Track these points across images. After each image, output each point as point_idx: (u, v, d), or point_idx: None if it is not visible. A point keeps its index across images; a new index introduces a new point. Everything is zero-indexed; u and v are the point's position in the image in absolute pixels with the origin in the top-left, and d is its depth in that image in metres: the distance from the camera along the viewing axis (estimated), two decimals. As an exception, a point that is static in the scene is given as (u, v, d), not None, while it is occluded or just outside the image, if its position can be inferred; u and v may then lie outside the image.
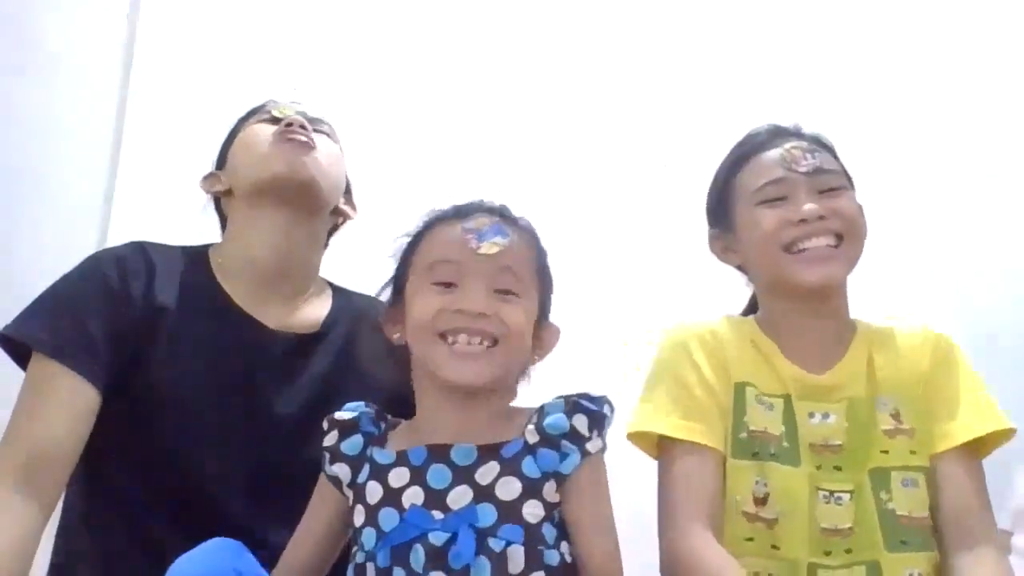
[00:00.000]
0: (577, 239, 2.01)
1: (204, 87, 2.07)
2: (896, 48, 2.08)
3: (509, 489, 0.95)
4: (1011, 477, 1.49)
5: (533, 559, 0.93)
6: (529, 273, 1.04)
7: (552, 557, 0.94)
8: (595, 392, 1.01)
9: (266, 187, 1.19)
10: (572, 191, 2.05)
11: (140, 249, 1.19)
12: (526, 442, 0.98)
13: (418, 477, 0.97)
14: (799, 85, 2.05)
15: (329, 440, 1.04)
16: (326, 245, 1.32)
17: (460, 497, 0.95)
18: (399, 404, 1.08)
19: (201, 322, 1.16)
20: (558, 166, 2.07)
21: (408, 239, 1.09)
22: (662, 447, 1.14)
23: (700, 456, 1.10)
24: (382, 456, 1.01)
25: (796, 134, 1.22)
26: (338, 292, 1.31)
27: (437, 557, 0.91)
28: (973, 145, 2.03)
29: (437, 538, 0.92)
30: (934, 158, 2.03)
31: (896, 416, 1.13)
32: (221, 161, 1.29)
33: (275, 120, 1.23)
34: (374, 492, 0.98)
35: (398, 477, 0.98)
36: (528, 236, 1.08)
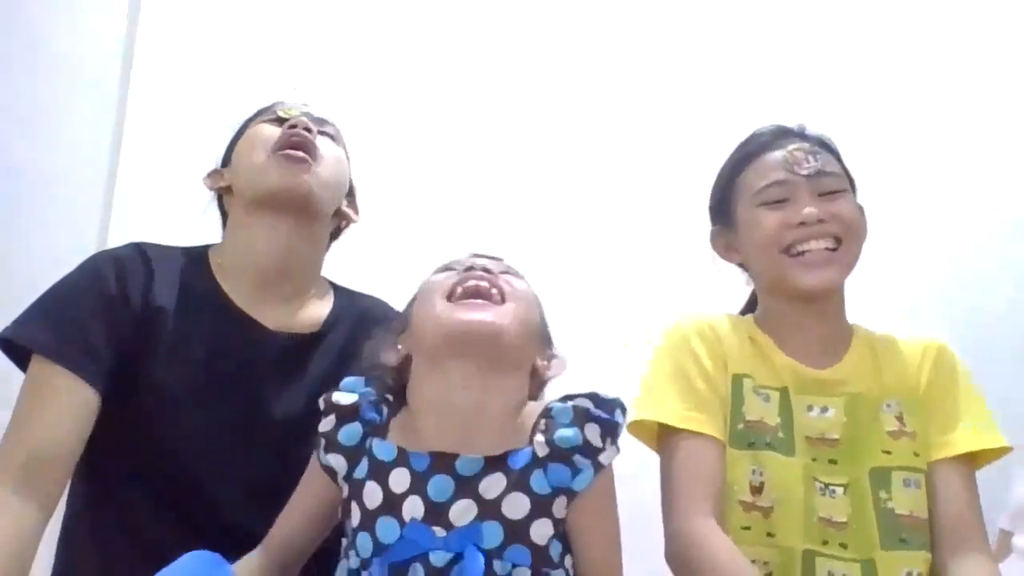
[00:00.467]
0: (577, 239, 2.02)
1: (204, 87, 2.07)
2: (896, 49, 2.08)
3: (517, 507, 0.90)
4: (1010, 478, 1.49)
5: None
6: None
7: None
8: (605, 393, 0.97)
9: (263, 199, 1.18)
10: (572, 191, 2.05)
11: (139, 250, 1.19)
12: (535, 454, 0.93)
13: (419, 485, 0.92)
14: (799, 86, 2.05)
15: (326, 425, 1.00)
16: (328, 247, 1.32)
17: (463, 513, 0.90)
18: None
19: (200, 323, 1.16)
20: (558, 166, 2.07)
21: None
22: (663, 437, 1.15)
23: (702, 444, 1.11)
24: (382, 450, 0.96)
25: (800, 135, 1.23)
26: (340, 292, 1.31)
27: None
28: (973, 148, 2.03)
29: (439, 558, 0.88)
30: (933, 159, 2.03)
31: (900, 419, 1.14)
32: (226, 158, 1.28)
33: (281, 121, 1.22)
34: (373, 495, 0.94)
35: (398, 480, 0.93)
36: None
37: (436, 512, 0.91)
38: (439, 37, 2.15)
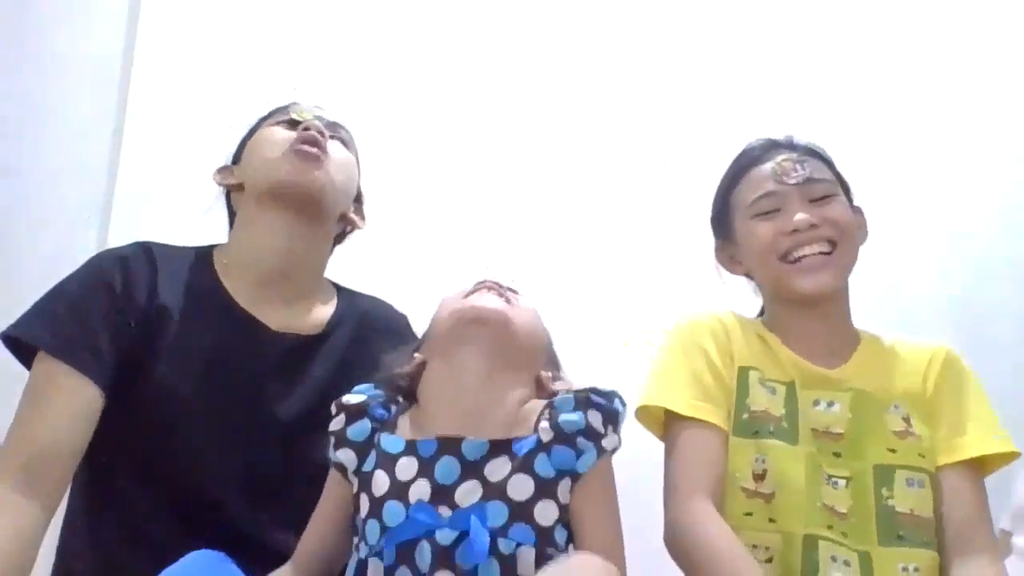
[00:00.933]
0: (577, 239, 2.02)
1: (205, 87, 2.07)
2: (892, 51, 2.08)
3: (522, 488, 0.93)
4: (1011, 479, 1.49)
5: (543, 563, 0.90)
6: None
7: None
8: (603, 387, 1.01)
9: (273, 192, 1.19)
10: (572, 191, 2.05)
11: (143, 249, 1.19)
12: (539, 439, 0.96)
13: (426, 470, 0.95)
14: (799, 87, 2.05)
15: (335, 425, 1.04)
16: (332, 252, 1.33)
17: (469, 493, 0.93)
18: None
19: (203, 323, 1.16)
20: (558, 166, 2.07)
21: None
22: (668, 425, 1.18)
23: (706, 434, 1.14)
24: (390, 443, 0.99)
25: (788, 146, 1.27)
26: (343, 294, 1.31)
27: (444, 557, 0.89)
28: (973, 149, 2.03)
29: (444, 536, 0.90)
30: (933, 161, 2.03)
31: (907, 420, 1.16)
32: (237, 156, 1.29)
33: (293, 124, 1.24)
34: (381, 483, 0.96)
35: (406, 468, 0.96)
36: None
37: (442, 493, 0.94)
38: (438, 38, 2.15)
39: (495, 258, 1.96)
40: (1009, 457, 1.15)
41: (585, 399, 0.98)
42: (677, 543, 1.09)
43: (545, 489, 0.94)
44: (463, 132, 2.09)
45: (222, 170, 1.30)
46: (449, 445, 0.96)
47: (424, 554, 0.90)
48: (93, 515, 1.13)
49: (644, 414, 1.19)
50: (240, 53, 2.10)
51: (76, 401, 1.06)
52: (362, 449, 1.01)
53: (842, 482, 1.12)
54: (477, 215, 2.04)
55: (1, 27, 2.04)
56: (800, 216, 1.19)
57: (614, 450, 0.99)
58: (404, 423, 1.03)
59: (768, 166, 1.23)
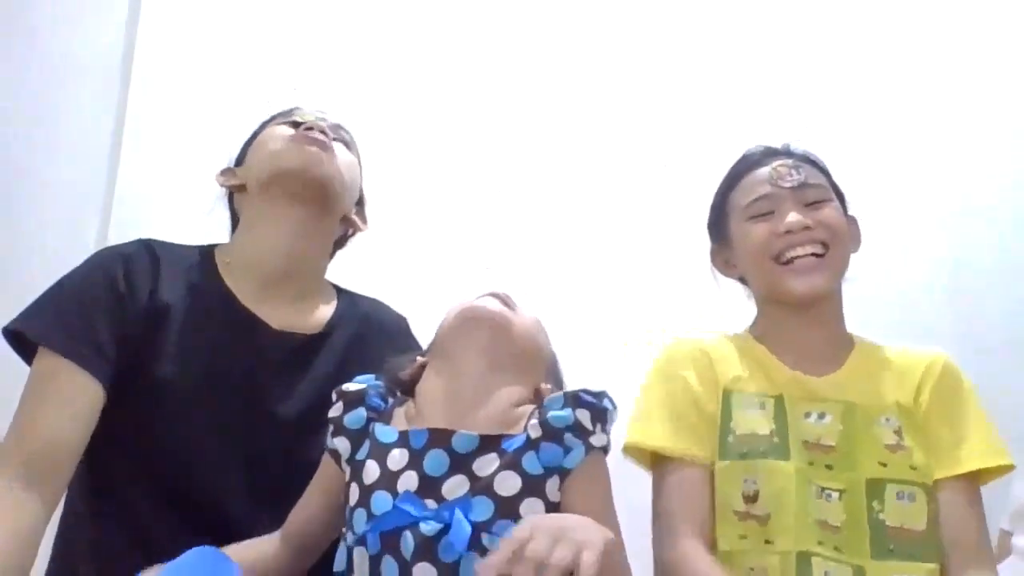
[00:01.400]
0: (577, 239, 2.02)
1: (204, 87, 2.07)
2: (896, 51, 2.09)
3: (508, 485, 0.93)
4: (1011, 479, 1.49)
5: None
6: None
7: None
8: (593, 388, 1.01)
9: (280, 179, 1.20)
10: (572, 191, 2.05)
11: (146, 247, 1.20)
12: (528, 437, 0.96)
13: (415, 462, 0.96)
14: (798, 88, 2.06)
15: (334, 412, 1.05)
16: (333, 254, 1.33)
17: (456, 487, 0.93)
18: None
19: (205, 321, 1.16)
20: (558, 166, 2.07)
21: None
22: (655, 461, 1.19)
23: (690, 470, 1.16)
24: (384, 433, 1.00)
25: (785, 153, 1.29)
26: (343, 295, 1.32)
27: (427, 548, 0.89)
28: (972, 148, 2.03)
29: (429, 528, 0.90)
30: (932, 160, 2.03)
31: (898, 433, 1.16)
32: (240, 158, 1.30)
33: (296, 124, 1.24)
34: (371, 472, 0.97)
35: (397, 459, 0.96)
36: None
37: (429, 486, 0.94)
38: (438, 38, 2.15)
39: (495, 259, 1.97)
40: (1006, 469, 1.15)
41: (574, 397, 0.98)
42: None
43: (532, 486, 0.93)
44: (463, 133, 2.09)
45: (225, 171, 1.30)
46: (440, 437, 0.96)
47: (408, 544, 0.90)
48: (91, 513, 1.13)
49: (632, 451, 1.21)
50: (240, 53, 2.10)
51: (78, 397, 1.06)
52: (357, 438, 1.02)
53: (835, 495, 1.12)
54: (477, 216, 2.04)
55: (2, 27, 2.04)
56: (793, 217, 1.20)
57: (604, 448, 0.99)
58: (399, 415, 1.04)
59: (764, 170, 1.26)
